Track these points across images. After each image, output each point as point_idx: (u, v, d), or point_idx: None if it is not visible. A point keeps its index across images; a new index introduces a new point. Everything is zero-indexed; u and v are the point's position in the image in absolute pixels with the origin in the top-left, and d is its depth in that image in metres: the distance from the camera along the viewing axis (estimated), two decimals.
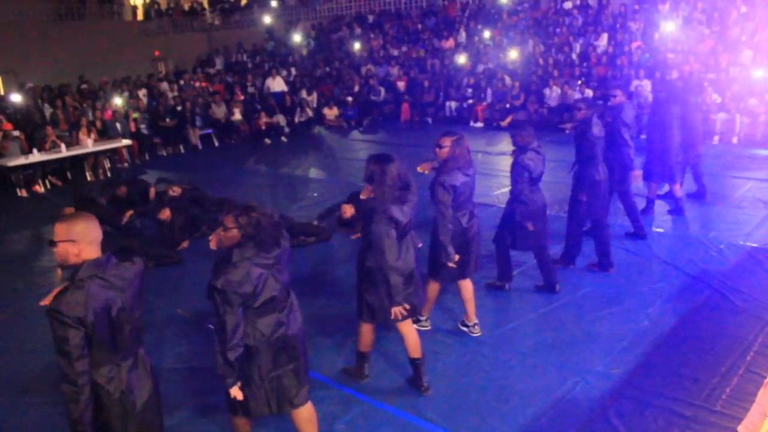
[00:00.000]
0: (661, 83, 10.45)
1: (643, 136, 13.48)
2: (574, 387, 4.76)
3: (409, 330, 4.77)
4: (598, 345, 5.34)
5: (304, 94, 18.50)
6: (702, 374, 4.79)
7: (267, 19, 25.77)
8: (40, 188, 12.57)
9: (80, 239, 2.96)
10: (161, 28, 26.28)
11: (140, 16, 27.61)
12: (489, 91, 17.28)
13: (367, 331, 4.88)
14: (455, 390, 4.84)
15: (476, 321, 5.72)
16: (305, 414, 3.93)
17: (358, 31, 23.96)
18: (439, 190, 5.12)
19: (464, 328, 5.77)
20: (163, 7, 27.98)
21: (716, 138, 13.24)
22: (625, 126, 7.37)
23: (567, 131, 14.29)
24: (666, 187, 9.07)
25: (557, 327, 5.71)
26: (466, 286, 5.59)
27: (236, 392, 3.60)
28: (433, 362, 5.22)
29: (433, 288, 5.64)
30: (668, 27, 16.56)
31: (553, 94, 15.89)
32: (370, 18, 25.06)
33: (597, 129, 6.56)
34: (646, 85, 14.45)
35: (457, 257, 5.21)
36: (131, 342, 3.15)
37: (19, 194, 12.20)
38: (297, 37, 24.09)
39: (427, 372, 4.97)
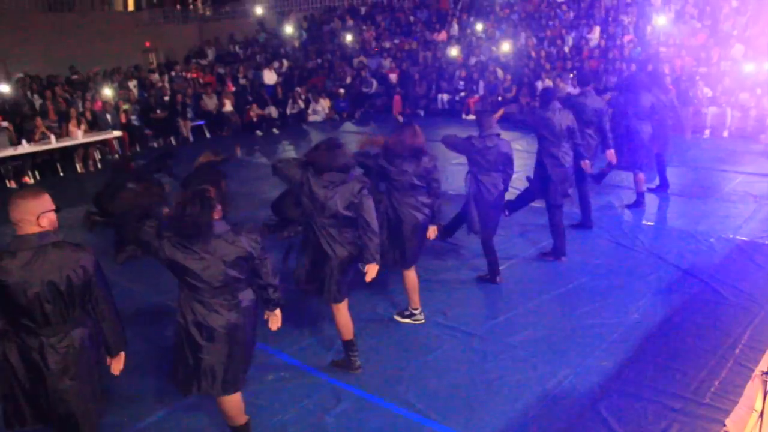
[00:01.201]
0: (624, 77, 10.67)
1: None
2: (564, 380, 4.77)
3: (341, 312, 4.97)
4: (587, 338, 5.35)
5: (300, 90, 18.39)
6: (691, 367, 4.81)
7: (259, 10, 25.64)
8: (29, 179, 12.47)
9: (10, 216, 3.26)
10: (152, 19, 26.11)
11: (131, 7, 27.43)
12: (481, 84, 17.25)
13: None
14: (445, 382, 4.84)
15: (420, 307, 5.83)
16: (227, 404, 4.02)
17: (351, 22, 23.86)
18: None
19: (405, 319, 5.86)
20: None
21: (707, 132, 13.27)
22: (584, 115, 7.58)
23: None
24: (656, 181, 9.16)
25: (547, 320, 5.72)
26: (409, 275, 5.71)
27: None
28: (424, 355, 5.23)
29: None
30: (660, 21, 16.56)
31: (544, 86, 15.87)
32: (363, 10, 24.95)
33: (555, 116, 6.76)
34: None
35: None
36: (58, 321, 3.30)
37: (8, 185, 12.12)
38: (289, 29, 23.98)
39: (418, 364, 5.03)
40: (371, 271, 4.82)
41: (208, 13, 28.16)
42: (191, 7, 28.47)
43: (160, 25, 25.87)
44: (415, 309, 5.82)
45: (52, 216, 3.35)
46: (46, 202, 3.33)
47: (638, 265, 6.81)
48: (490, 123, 6.14)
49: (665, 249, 7.16)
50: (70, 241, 3.40)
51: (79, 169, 13.24)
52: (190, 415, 4.61)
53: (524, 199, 7.72)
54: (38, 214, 3.26)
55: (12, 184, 12.14)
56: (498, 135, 6.15)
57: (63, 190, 11.57)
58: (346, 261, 4.84)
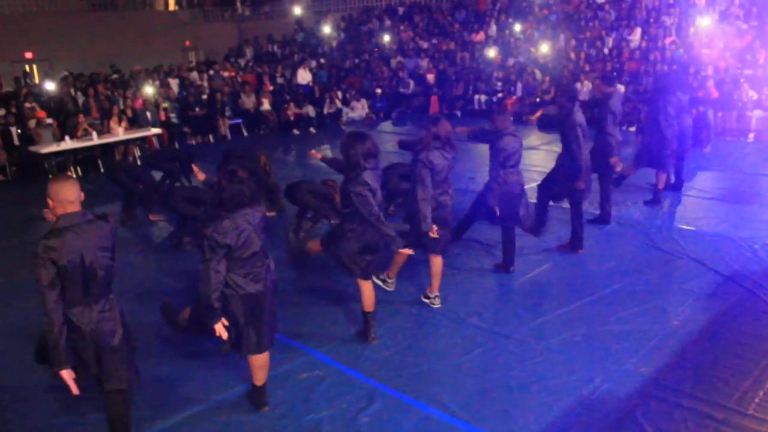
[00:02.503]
0: (655, 77, 10.85)
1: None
2: (601, 385, 4.69)
3: (367, 287, 5.37)
4: (626, 343, 5.26)
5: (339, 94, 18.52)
6: (734, 376, 4.69)
7: (297, 10, 25.81)
8: (71, 175, 12.72)
9: (54, 197, 3.59)
10: (192, 18, 26.47)
11: (171, 6, 27.82)
12: (519, 85, 17.12)
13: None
14: (480, 384, 4.80)
15: (437, 293, 6.09)
16: (259, 360, 4.42)
17: (388, 23, 23.88)
18: (419, 166, 5.60)
19: (426, 300, 6.14)
20: None
21: (751, 135, 12.98)
22: (612, 114, 7.66)
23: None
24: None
25: (585, 324, 5.63)
26: (436, 261, 5.95)
27: (221, 330, 4.12)
28: (459, 356, 5.19)
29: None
30: (704, 22, 16.23)
31: (584, 89, 15.68)
32: (400, 10, 24.98)
33: (579, 116, 6.85)
34: None
35: (435, 228, 5.62)
36: (102, 287, 3.70)
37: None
38: (327, 29, 24.09)
39: (453, 366, 5.01)
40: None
41: (247, 12, 28.44)
42: (231, 6, 28.75)
43: (200, 24, 26.22)
44: (431, 293, 6.10)
45: (82, 195, 3.74)
46: (78, 184, 3.72)
47: (678, 271, 6.68)
48: (506, 122, 6.32)
49: (707, 255, 7.01)
50: (97, 214, 3.78)
51: None
52: (226, 411, 4.63)
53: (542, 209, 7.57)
54: (78, 195, 3.65)
55: None
56: (516, 130, 6.41)
57: (103, 185, 11.78)
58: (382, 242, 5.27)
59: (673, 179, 9.37)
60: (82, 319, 3.64)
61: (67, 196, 3.59)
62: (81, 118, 13.43)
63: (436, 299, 6.09)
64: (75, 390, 3.63)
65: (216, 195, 4.12)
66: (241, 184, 4.10)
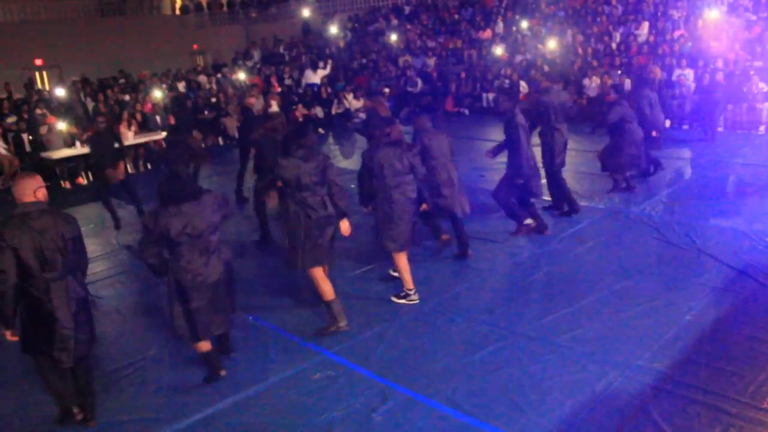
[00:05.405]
0: (615, 84, 11.37)
1: (685, 127, 13.39)
2: (614, 381, 4.68)
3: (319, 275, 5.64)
4: (638, 339, 5.24)
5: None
6: (747, 370, 4.66)
7: (305, 12, 25.85)
8: (83, 180, 12.83)
9: (14, 191, 4.23)
10: (199, 22, 26.56)
11: (178, 10, 27.93)
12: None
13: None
14: (493, 382, 4.80)
15: (412, 287, 6.22)
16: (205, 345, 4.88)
17: (395, 22, 23.87)
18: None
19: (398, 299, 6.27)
20: (203, 1, 28.26)
21: (762, 128, 12.89)
22: (554, 113, 8.07)
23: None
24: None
25: (597, 320, 5.62)
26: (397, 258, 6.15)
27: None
28: (471, 354, 5.19)
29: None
30: (712, 14, 16.12)
31: (592, 84, 15.63)
32: (407, 9, 24.96)
33: (520, 118, 7.26)
34: (689, 75, 14.13)
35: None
36: (60, 270, 4.19)
37: (63, 186, 12.47)
38: (334, 29, 24.11)
39: (465, 364, 5.03)
40: (344, 225, 5.64)
41: (254, 15, 28.49)
42: (238, 9, 28.82)
43: (207, 27, 26.30)
44: (410, 290, 6.18)
45: (44, 191, 4.32)
46: (39, 180, 4.31)
47: (690, 265, 6.64)
48: (425, 121, 6.93)
49: (719, 248, 6.96)
50: (60, 211, 4.38)
51: (129, 170, 13.51)
52: (240, 412, 4.66)
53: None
54: (35, 189, 4.24)
55: (66, 185, 12.49)
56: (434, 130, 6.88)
57: (115, 191, 11.84)
58: (322, 224, 5.48)
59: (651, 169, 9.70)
60: (40, 292, 4.15)
61: (19, 191, 4.20)
62: (74, 128, 13.39)
63: (415, 294, 6.19)
64: (10, 338, 4.28)
65: (169, 186, 4.55)
66: (180, 182, 4.53)
